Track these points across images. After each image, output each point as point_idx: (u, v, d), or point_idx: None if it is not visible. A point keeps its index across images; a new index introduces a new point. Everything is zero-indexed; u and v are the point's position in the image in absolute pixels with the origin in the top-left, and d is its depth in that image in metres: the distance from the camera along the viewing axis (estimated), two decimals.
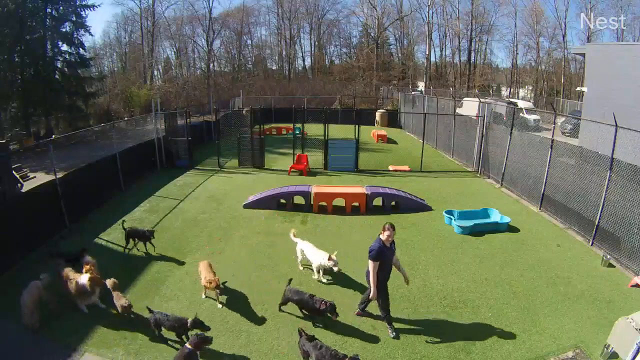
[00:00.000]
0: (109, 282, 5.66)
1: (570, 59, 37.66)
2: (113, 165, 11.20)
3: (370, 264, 4.94)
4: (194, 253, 7.65)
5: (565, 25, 37.13)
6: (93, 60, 31.94)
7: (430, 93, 26.91)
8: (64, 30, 23.42)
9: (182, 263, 7.26)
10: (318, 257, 6.54)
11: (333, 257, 6.35)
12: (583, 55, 18.54)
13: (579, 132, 14.66)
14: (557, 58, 38.95)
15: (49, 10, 22.15)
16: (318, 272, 6.67)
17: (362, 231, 8.86)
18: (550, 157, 9.71)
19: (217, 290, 5.93)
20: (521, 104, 24.53)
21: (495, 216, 9.30)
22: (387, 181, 12.65)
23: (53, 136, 14.41)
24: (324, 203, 10.03)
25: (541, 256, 7.72)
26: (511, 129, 11.78)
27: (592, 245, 8.14)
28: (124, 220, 8.06)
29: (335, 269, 6.34)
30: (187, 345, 4.43)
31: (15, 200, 8.72)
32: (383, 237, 4.99)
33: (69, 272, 5.84)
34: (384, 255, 4.95)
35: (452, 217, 9.15)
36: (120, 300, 5.42)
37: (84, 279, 5.62)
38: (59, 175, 8.75)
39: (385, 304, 5.22)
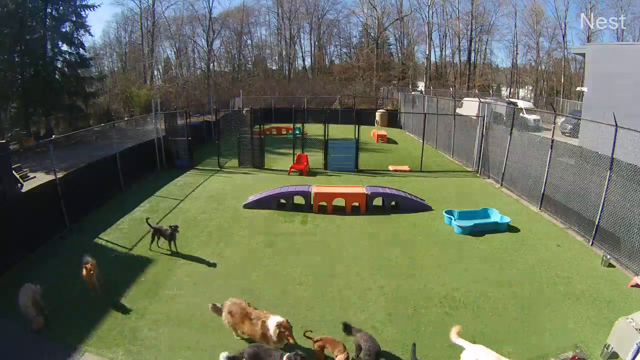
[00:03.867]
0: None
1: (570, 59, 37.71)
2: (113, 165, 11.20)
3: None
4: (194, 253, 7.65)
5: (565, 25, 37.21)
6: (93, 60, 31.94)
7: (430, 93, 26.90)
8: (64, 30, 23.44)
9: (182, 264, 7.26)
10: None
11: None
12: (583, 55, 18.55)
13: (579, 132, 14.66)
14: (557, 58, 38.99)
15: (49, 10, 22.17)
16: None
17: (362, 231, 8.86)
18: (550, 157, 9.71)
19: None
20: (521, 104, 24.54)
21: (495, 216, 9.30)
22: (387, 181, 12.65)
23: (53, 136, 14.43)
24: (324, 203, 10.03)
25: (541, 256, 7.72)
26: (511, 129, 11.78)
27: (592, 245, 8.14)
28: (148, 218, 8.11)
29: None
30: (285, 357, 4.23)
31: (15, 200, 8.72)
32: None
33: (252, 309, 5.00)
34: None
35: (452, 217, 9.15)
36: None
37: (272, 322, 4.67)
38: (59, 175, 8.75)
39: None
